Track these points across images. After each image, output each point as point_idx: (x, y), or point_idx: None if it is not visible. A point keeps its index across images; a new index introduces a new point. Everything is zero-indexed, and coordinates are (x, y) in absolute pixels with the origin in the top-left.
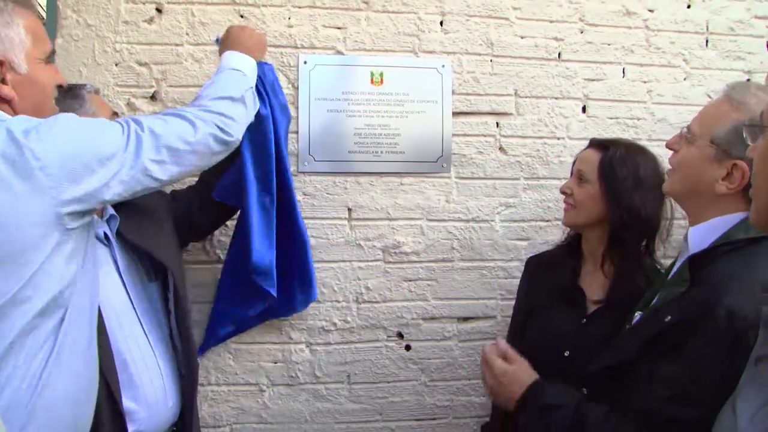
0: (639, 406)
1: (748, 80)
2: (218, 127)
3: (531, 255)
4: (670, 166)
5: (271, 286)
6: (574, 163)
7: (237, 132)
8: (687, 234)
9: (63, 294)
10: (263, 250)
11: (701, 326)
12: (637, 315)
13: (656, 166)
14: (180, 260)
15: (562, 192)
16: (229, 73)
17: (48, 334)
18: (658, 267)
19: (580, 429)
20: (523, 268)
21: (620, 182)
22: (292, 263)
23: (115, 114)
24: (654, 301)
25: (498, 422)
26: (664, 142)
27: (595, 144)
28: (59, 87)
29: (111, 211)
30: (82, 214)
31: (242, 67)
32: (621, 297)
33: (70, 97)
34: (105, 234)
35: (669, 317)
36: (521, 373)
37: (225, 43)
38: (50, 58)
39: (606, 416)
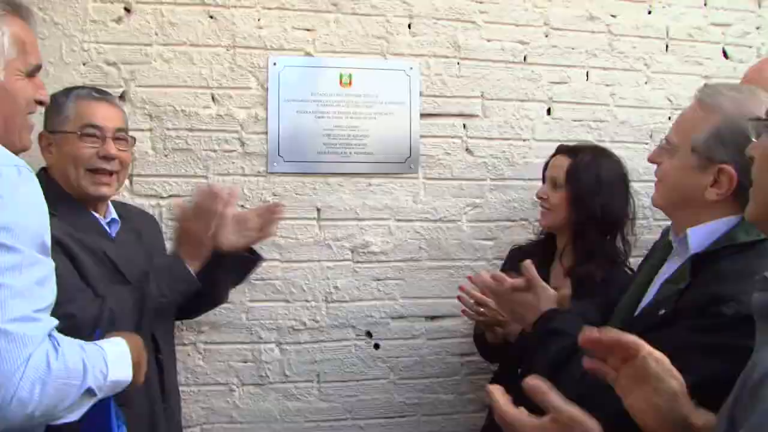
0: None
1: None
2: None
3: (514, 247)
4: (656, 177)
5: None
6: (545, 168)
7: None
8: (685, 236)
9: None
10: None
11: (697, 311)
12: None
13: (619, 168)
14: None
15: (539, 197)
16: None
17: None
18: (622, 259)
19: (565, 361)
20: (489, 268)
21: (583, 186)
22: None
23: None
24: (650, 297)
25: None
26: (627, 144)
27: (565, 150)
28: (40, 103)
29: (113, 215)
30: None
31: (117, 375)
32: (573, 286)
33: (54, 103)
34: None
35: (663, 310)
36: (537, 301)
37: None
38: (34, 72)
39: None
